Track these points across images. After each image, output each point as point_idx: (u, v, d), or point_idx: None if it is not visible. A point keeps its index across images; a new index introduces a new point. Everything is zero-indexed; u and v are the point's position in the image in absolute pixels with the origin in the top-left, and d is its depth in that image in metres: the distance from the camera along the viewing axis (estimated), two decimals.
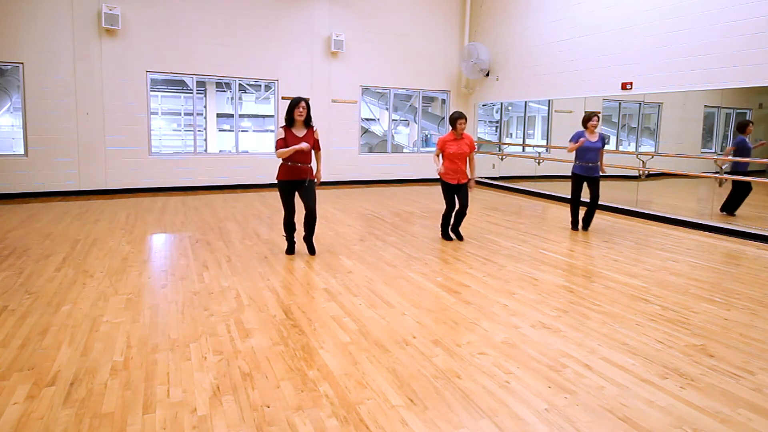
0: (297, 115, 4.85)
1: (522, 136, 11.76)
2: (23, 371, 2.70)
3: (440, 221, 6.20)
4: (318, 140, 5.09)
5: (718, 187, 6.94)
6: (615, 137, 9.66)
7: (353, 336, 3.25)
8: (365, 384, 2.64)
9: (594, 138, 6.35)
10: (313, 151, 5.05)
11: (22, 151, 8.63)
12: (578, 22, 9.01)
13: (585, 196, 6.63)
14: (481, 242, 5.96)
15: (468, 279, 4.52)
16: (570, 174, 6.68)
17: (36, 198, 8.53)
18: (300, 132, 4.94)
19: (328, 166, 10.99)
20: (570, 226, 6.77)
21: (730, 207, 7.07)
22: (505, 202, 9.18)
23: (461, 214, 5.94)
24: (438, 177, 5.94)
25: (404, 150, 14.14)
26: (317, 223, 5.79)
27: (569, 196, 6.75)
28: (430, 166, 12.19)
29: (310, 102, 4.98)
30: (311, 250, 5.27)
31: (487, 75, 11.32)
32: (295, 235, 5.29)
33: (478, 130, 12.36)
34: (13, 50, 8.27)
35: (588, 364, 2.92)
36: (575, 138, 6.40)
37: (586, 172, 6.44)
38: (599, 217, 7.83)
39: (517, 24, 10.49)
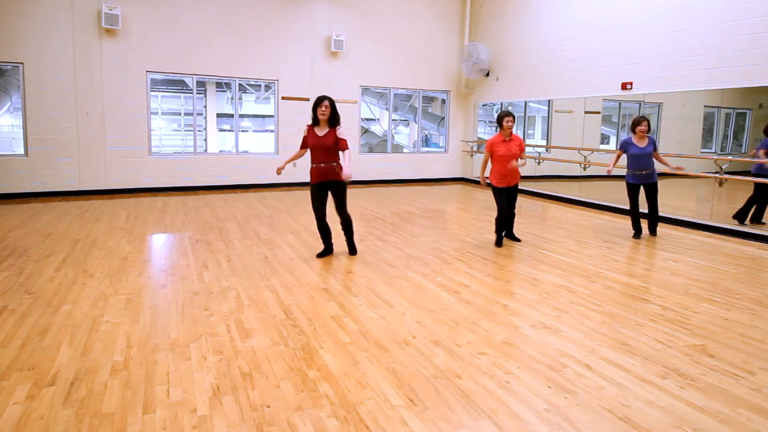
0: (320, 114, 4.78)
1: (522, 136, 11.74)
2: (23, 371, 2.69)
3: (494, 227, 6.22)
4: (343, 139, 4.89)
5: (718, 187, 6.93)
6: (615, 137, 9.67)
7: (353, 336, 3.25)
8: (365, 384, 2.64)
9: (644, 143, 6.06)
10: (342, 152, 4.93)
11: (22, 151, 8.64)
12: (578, 22, 9.01)
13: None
14: (481, 242, 5.96)
15: (468, 279, 4.52)
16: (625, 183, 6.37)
17: (36, 198, 8.53)
18: (322, 131, 4.86)
19: None
20: (633, 236, 6.36)
21: (748, 215, 6.63)
22: None
23: (510, 218, 5.90)
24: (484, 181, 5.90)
25: (404, 150, 14.14)
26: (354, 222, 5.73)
27: (628, 205, 6.39)
28: (431, 166, 12.20)
29: (333, 101, 4.85)
30: (351, 251, 5.26)
31: (487, 75, 11.33)
32: (332, 236, 5.21)
33: (478, 130, 12.37)
34: (13, 50, 8.27)
35: (588, 364, 2.92)
36: (622, 146, 6.19)
37: (641, 180, 6.15)
38: (599, 217, 7.83)
39: (517, 24, 10.49)
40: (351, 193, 9.78)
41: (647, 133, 6.05)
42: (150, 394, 2.49)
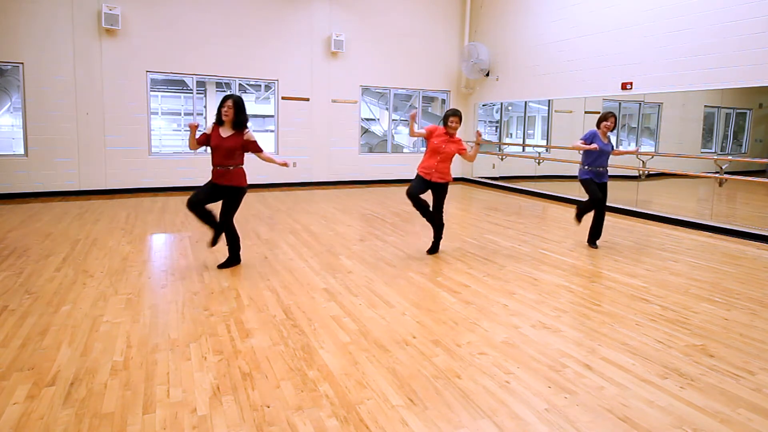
0: (223, 114, 4.46)
1: (522, 136, 11.75)
2: (23, 371, 2.69)
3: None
4: (253, 141, 4.66)
5: (718, 187, 6.93)
6: (615, 137, 9.65)
7: (353, 336, 3.25)
8: (365, 384, 2.64)
9: (606, 140, 5.74)
10: (259, 154, 4.75)
11: (22, 151, 8.63)
12: (578, 22, 9.01)
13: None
14: (481, 242, 5.96)
15: (468, 279, 4.52)
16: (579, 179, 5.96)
17: (36, 198, 8.52)
18: (226, 132, 4.55)
19: (328, 166, 11.00)
20: (586, 242, 5.96)
21: None
22: (505, 202, 9.18)
23: (436, 223, 5.37)
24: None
25: (404, 150, 14.12)
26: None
27: (589, 199, 5.83)
28: None
29: (240, 101, 4.55)
30: (233, 262, 4.81)
31: (487, 75, 11.32)
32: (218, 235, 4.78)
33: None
34: (13, 50, 8.27)
35: (588, 364, 2.92)
36: (588, 138, 5.73)
37: (596, 177, 5.78)
38: None
39: (517, 24, 10.49)
40: (351, 193, 9.80)
41: (611, 130, 5.71)
42: (150, 394, 2.49)
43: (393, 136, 12.80)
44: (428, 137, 5.28)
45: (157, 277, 4.40)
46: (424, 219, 5.38)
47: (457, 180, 12.46)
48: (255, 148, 4.73)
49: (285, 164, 4.89)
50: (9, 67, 8.56)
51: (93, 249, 5.30)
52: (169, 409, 2.37)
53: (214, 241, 4.77)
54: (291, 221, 6.98)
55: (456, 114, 5.19)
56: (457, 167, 12.46)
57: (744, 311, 3.85)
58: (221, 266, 4.73)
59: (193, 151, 4.54)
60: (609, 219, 7.70)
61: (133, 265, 4.71)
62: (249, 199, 8.97)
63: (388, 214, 7.73)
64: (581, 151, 5.78)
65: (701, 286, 4.46)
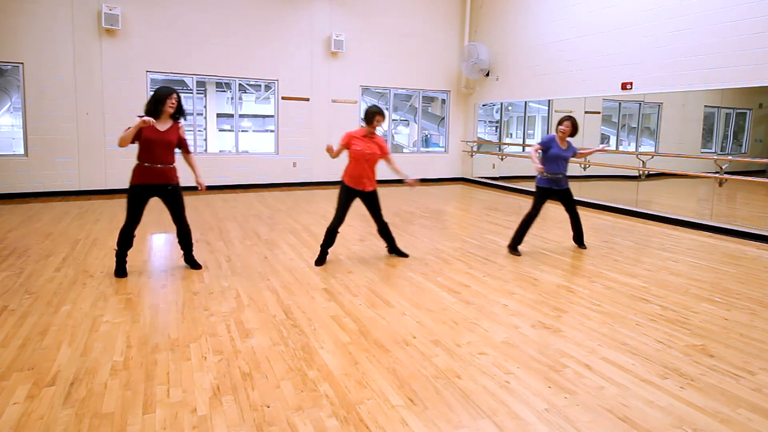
0: (169, 106, 4.15)
1: (522, 136, 11.75)
2: (23, 371, 2.69)
3: (321, 240, 4.98)
4: (185, 139, 4.37)
5: (718, 187, 6.93)
6: (615, 137, 9.66)
7: (353, 336, 3.25)
8: (365, 384, 2.64)
9: (565, 145, 5.39)
10: (187, 155, 4.45)
11: (22, 151, 8.63)
12: (578, 22, 9.01)
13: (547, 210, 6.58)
14: (481, 242, 5.96)
15: (468, 279, 4.52)
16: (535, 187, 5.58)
17: (36, 198, 8.52)
18: (164, 125, 4.21)
19: (328, 166, 10.99)
20: (510, 250, 5.47)
21: None
22: (505, 202, 9.18)
23: (385, 232, 5.08)
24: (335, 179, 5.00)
25: (404, 150, 14.14)
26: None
27: (530, 210, 5.45)
28: (431, 166, 12.20)
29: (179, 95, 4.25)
30: (194, 265, 4.60)
31: (487, 75, 11.32)
32: (129, 252, 4.46)
33: (478, 130, 12.36)
34: (13, 50, 8.27)
35: (588, 364, 2.92)
36: (546, 142, 5.37)
37: (553, 185, 5.41)
38: (599, 217, 7.83)
39: (517, 24, 10.49)
40: None
41: (571, 135, 5.35)
42: (150, 394, 2.49)
43: (393, 136, 12.79)
44: (348, 145, 4.79)
45: (157, 277, 4.40)
46: (325, 247, 4.92)
47: (457, 180, 12.46)
48: (186, 146, 4.43)
49: (201, 185, 4.56)
50: (9, 67, 8.56)
51: (93, 249, 5.30)
52: (169, 409, 2.37)
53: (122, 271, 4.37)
54: (291, 221, 6.98)
55: (382, 113, 4.76)
56: (458, 167, 12.46)
57: (744, 311, 3.85)
58: (195, 266, 4.59)
59: (122, 148, 4.19)
60: (609, 219, 7.71)
61: (133, 265, 4.71)
62: (249, 198, 8.98)
63: (388, 214, 7.71)
64: (538, 155, 5.37)
65: (701, 286, 4.46)
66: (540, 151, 5.39)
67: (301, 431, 2.23)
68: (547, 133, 10.39)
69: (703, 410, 2.46)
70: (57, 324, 3.33)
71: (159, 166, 4.22)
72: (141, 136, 4.14)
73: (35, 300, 3.77)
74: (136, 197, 4.23)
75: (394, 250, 5.23)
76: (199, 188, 4.58)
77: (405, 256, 5.22)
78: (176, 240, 4.62)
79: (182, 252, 4.66)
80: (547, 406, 2.48)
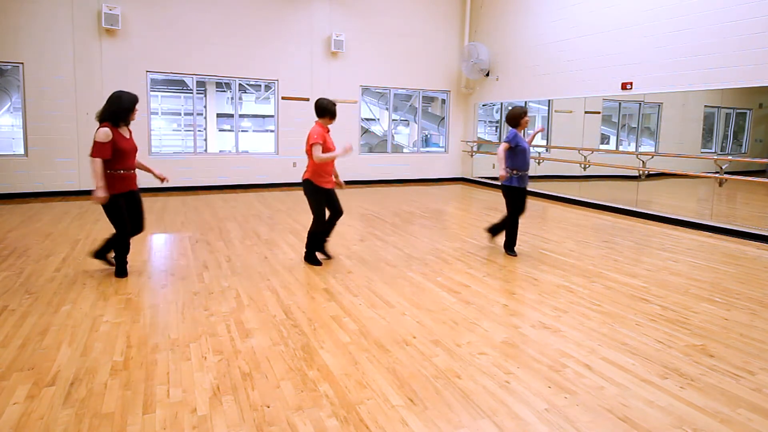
0: (135, 114, 4.48)
1: (521, 136, 11.73)
2: (23, 371, 2.69)
3: (307, 240, 4.93)
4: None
5: (718, 187, 6.93)
6: (615, 137, 9.67)
7: (353, 336, 3.25)
8: (365, 384, 2.64)
9: (525, 139, 5.22)
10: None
11: (22, 151, 8.63)
12: (578, 22, 9.01)
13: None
14: (481, 242, 5.96)
15: (468, 279, 4.52)
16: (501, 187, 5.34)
17: (36, 198, 8.52)
18: (126, 132, 4.51)
19: None
20: (506, 251, 5.41)
21: None
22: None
23: (334, 223, 5.02)
24: (312, 183, 4.73)
25: (404, 150, 14.13)
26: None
27: (509, 213, 5.31)
28: (431, 166, 12.20)
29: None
30: (120, 273, 4.38)
31: (487, 75, 11.33)
32: (128, 257, 4.48)
33: (478, 130, 12.37)
34: (13, 50, 8.27)
35: (588, 364, 2.92)
36: (511, 138, 5.11)
37: (525, 183, 5.21)
38: (599, 217, 7.84)
39: (517, 24, 10.49)
40: (351, 193, 9.79)
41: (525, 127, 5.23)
42: (150, 394, 2.49)
43: (393, 136, 12.80)
44: (325, 143, 4.66)
45: (157, 277, 4.40)
46: (323, 237, 4.97)
47: (457, 180, 12.46)
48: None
49: (162, 176, 4.73)
50: (9, 67, 8.56)
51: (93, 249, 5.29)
52: (169, 409, 2.37)
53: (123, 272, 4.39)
54: (291, 221, 6.98)
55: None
56: (457, 167, 12.47)
57: (744, 311, 3.85)
58: (120, 275, 4.38)
59: (100, 159, 4.24)
60: (609, 219, 7.71)
61: (133, 265, 4.71)
62: (249, 198, 8.98)
63: (387, 214, 7.73)
64: (506, 153, 5.11)
65: (701, 286, 4.46)
66: (508, 150, 5.12)
67: (301, 431, 2.23)
68: (548, 132, 10.39)
69: (703, 410, 2.46)
70: (57, 324, 3.33)
71: (132, 172, 4.43)
72: (117, 146, 4.28)
73: (35, 300, 3.77)
74: (119, 205, 4.26)
75: (323, 244, 5.06)
76: (163, 180, 4.70)
77: (328, 257, 5.08)
78: (137, 239, 4.57)
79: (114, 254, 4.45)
80: (547, 406, 2.48)
